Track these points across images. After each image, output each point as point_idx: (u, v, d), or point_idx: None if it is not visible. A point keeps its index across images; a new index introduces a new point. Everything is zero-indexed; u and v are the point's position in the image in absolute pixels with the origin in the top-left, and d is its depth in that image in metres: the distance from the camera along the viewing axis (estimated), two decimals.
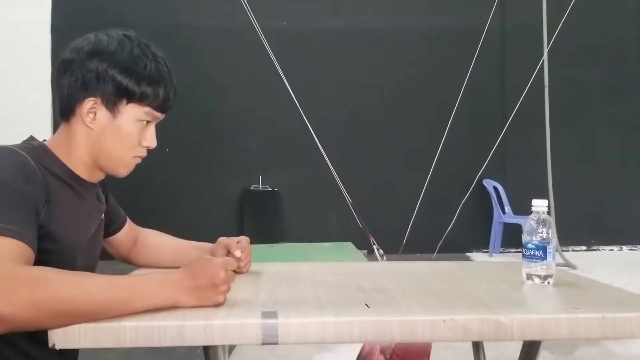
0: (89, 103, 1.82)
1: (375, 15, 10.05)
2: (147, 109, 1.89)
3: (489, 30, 9.68)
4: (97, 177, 1.97)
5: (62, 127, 1.90)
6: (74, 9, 9.62)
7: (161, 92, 1.89)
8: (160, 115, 1.94)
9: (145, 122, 1.91)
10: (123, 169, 1.96)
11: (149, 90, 1.86)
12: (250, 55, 9.35)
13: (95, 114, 1.84)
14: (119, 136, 1.87)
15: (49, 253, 1.65)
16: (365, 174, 9.89)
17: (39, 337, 1.61)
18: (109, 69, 1.81)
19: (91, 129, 1.85)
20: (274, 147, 9.94)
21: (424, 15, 10.12)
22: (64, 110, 1.87)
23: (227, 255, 2.13)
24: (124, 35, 1.89)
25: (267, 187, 9.90)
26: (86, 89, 1.82)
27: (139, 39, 1.90)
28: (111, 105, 1.84)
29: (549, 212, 2.00)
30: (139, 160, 1.97)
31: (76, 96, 1.83)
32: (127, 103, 1.85)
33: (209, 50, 9.81)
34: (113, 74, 1.81)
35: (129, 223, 2.32)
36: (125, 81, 1.82)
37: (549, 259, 1.95)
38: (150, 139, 1.94)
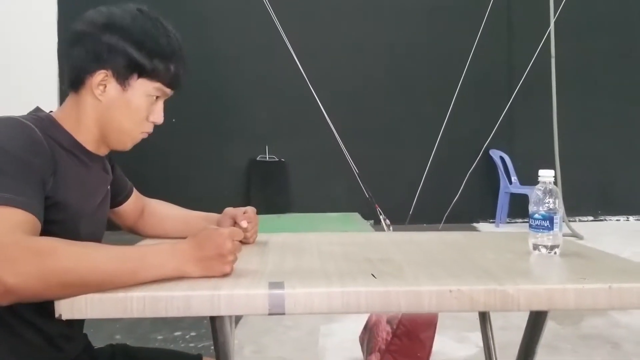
0: (99, 75, 1.81)
1: None
2: (158, 85, 1.88)
3: (496, 0, 9.63)
4: (103, 150, 1.97)
5: (70, 98, 1.90)
6: None
7: (172, 68, 1.89)
8: (169, 92, 1.94)
9: (154, 98, 1.91)
10: (130, 143, 1.96)
11: (160, 65, 1.85)
12: (257, 24, 9.34)
13: (106, 87, 1.83)
14: (127, 110, 1.87)
15: (54, 223, 1.65)
16: (372, 144, 9.89)
17: (45, 308, 1.62)
18: (122, 42, 1.81)
19: (100, 101, 1.84)
20: (280, 117, 9.94)
21: None
22: (73, 81, 1.86)
23: (234, 226, 2.13)
24: (138, 9, 1.88)
25: (273, 158, 9.91)
26: (97, 61, 1.81)
27: (152, 14, 1.89)
28: (122, 78, 1.83)
29: (555, 183, 2.00)
30: (145, 135, 1.97)
31: (87, 68, 1.82)
32: (138, 77, 1.85)
33: (215, 20, 9.79)
34: (125, 47, 1.81)
35: (135, 193, 2.32)
36: (137, 55, 1.82)
37: (556, 229, 1.95)
38: (158, 115, 1.95)
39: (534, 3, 9.67)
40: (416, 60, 10.05)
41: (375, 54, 9.99)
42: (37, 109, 1.90)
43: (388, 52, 10.01)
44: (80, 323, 1.98)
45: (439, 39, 10.05)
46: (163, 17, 1.92)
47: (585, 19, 10.03)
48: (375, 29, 9.99)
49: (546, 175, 1.97)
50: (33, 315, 1.75)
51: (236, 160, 9.91)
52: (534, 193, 1.97)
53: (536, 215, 1.95)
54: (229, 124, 9.83)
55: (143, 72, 1.84)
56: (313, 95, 8.73)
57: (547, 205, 1.94)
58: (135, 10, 1.87)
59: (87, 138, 1.89)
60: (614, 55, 10.22)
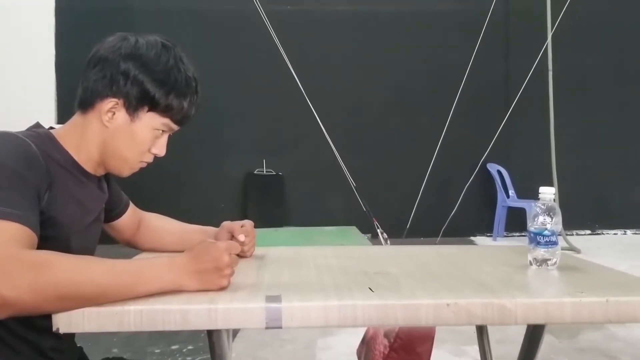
0: (110, 102, 1.83)
1: None
2: (166, 121, 1.90)
3: (493, 13, 9.66)
4: (100, 171, 1.98)
5: (76, 118, 1.91)
6: None
7: (185, 107, 1.91)
8: (176, 128, 1.96)
9: (160, 132, 1.93)
10: (127, 171, 1.98)
11: (174, 103, 1.87)
12: (254, 38, 9.34)
13: (114, 114, 1.85)
14: (132, 140, 1.88)
15: (46, 239, 1.64)
16: (369, 158, 9.89)
17: (35, 322, 1.62)
18: (142, 75, 1.82)
19: (106, 127, 1.86)
20: (277, 131, 9.95)
21: None
22: (83, 102, 1.87)
23: (231, 239, 2.13)
24: (163, 44, 1.89)
25: (270, 171, 9.91)
26: (111, 88, 1.82)
27: (175, 50, 1.91)
28: (132, 109, 1.85)
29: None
30: (144, 165, 1.98)
31: (100, 92, 1.83)
32: (148, 111, 1.86)
33: (213, 33, 9.79)
34: (144, 80, 1.82)
35: (132, 207, 2.32)
36: (154, 91, 1.83)
37: (554, 245, 1.95)
38: (161, 148, 1.96)
39: (532, 17, 9.69)
40: (413, 73, 10.06)
41: (373, 68, 10.00)
42: (37, 125, 1.90)
43: (385, 65, 10.01)
44: (71, 336, 1.98)
45: (436, 52, 10.06)
46: (185, 54, 1.94)
47: (583, 33, 10.05)
48: (372, 42, 10.01)
49: (547, 192, 1.98)
50: (24, 329, 1.75)
51: (233, 174, 9.91)
52: (533, 209, 1.97)
53: (535, 230, 1.95)
54: (227, 137, 9.83)
55: (155, 107, 1.86)
56: (310, 109, 8.74)
57: (546, 223, 1.94)
58: (160, 44, 1.89)
59: (86, 159, 1.90)
60: (611, 69, 10.25)
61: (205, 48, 9.43)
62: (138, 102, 1.84)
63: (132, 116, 1.85)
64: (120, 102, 1.83)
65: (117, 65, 1.81)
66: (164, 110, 1.87)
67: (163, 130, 1.93)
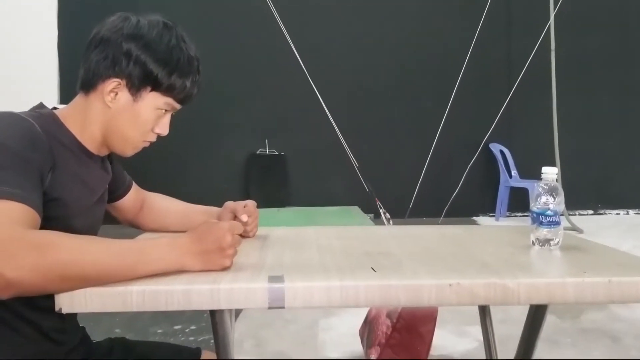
0: (113, 83, 1.83)
1: None
2: (169, 100, 1.90)
3: None
4: (104, 151, 1.98)
5: (79, 99, 1.90)
6: None
7: (188, 86, 1.91)
8: (179, 107, 1.96)
9: (163, 111, 1.93)
10: (130, 151, 1.98)
11: (177, 83, 1.87)
12: (257, 19, 9.31)
13: (117, 94, 1.84)
14: (135, 120, 1.88)
15: (49, 219, 1.64)
16: (372, 137, 9.88)
17: (37, 302, 1.62)
18: (144, 55, 1.82)
19: (109, 107, 1.86)
20: (280, 111, 9.93)
21: None
22: (85, 83, 1.87)
23: (234, 220, 2.13)
24: (164, 24, 1.89)
25: (273, 151, 9.91)
26: (114, 69, 1.82)
27: (177, 30, 1.91)
28: (134, 89, 1.84)
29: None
30: (147, 145, 1.98)
31: (102, 73, 1.83)
32: (151, 90, 1.86)
33: (215, 14, 9.76)
34: (146, 60, 1.82)
35: (134, 187, 2.32)
36: (156, 70, 1.83)
37: (557, 225, 1.95)
38: (164, 127, 1.96)
39: None
40: (416, 54, 10.03)
41: (375, 49, 9.97)
42: (41, 105, 1.90)
43: (388, 47, 9.99)
44: (73, 316, 1.98)
45: (438, 33, 10.03)
46: (187, 34, 1.93)
47: (586, 14, 10.01)
48: (374, 24, 9.97)
49: (549, 172, 1.98)
50: (26, 310, 1.75)
51: (236, 154, 9.91)
52: (536, 189, 1.97)
53: (537, 210, 1.95)
54: (229, 117, 9.82)
55: (157, 86, 1.86)
56: (313, 89, 8.72)
57: (549, 202, 1.94)
58: (161, 24, 1.88)
59: (89, 140, 1.90)
60: (614, 50, 10.21)
61: (207, 29, 9.40)
62: (140, 82, 1.83)
63: (135, 96, 1.85)
64: (123, 82, 1.83)
65: (119, 45, 1.81)
66: (166, 89, 1.87)
67: (166, 110, 1.93)
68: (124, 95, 1.84)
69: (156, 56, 1.82)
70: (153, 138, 1.97)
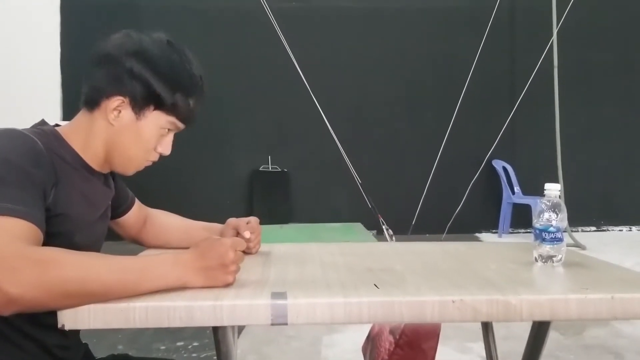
0: (116, 101, 1.83)
1: None
2: (172, 119, 1.90)
3: (499, 9, 9.65)
4: (106, 169, 1.98)
5: (82, 116, 1.90)
6: None
7: (191, 104, 1.91)
8: (182, 127, 1.96)
9: (166, 130, 1.93)
10: (133, 170, 1.98)
11: (180, 102, 1.87)
12: (260, 35, 9.35)
13: (120, 112, 1.84)
14: (137, 138, 1.88)
15: (51, 235, 1.64)
16: (375, 154, 9.90)
17: (39, 319, 1.62)
18: (147, 73, 1.81)
19: (112, 125, 1.85)
20: (283, 128, 9.95)
21: None
22: (89, 100, 1.87)
23: (236, 236, 2.13)
24: (168, 41, 1.89)
25: (276, 168, 9.92)
26: (117, 87, 1.82)
27: (180, 47, 1.91)
28: (138, 107, 1.84)
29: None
30: (149, 164, 1.98)
31: (105, 91, 1.83)
32: (154, 109, 1.86)
33: (218, 29, 9.80)
34: (149, 78, 1.82)
35: (137, 204, 2.32)
36: (160, 89, 1.83)
37: (560, 241, 1.95)
38: (166, 147, 1.97)
39: (537, 13, 9.69)
40: (419, 70, 10.06)
41: (378, 64, 9.99)
42: (43, 122, 1.90)
43: (391, 61, 10.01)
44: (76, 332, 1.98)
45: (441, 48, 10.06)
46: (190, 52, 1.93)
47: (588, 29, 10.05)
48: (377, 39, 10.00)
49: (552, 189, 1.98)
50: (28, 327, 1.75)
51: (239, 170, 9.92)
52: (538, 206, 1.97)
53: (540, 227, 1.95)
54: (232, 133, 9.83)
55: (161, 105, 1.86)
56: (316, 105, 8.74)
57: (552, 219, 1.94)
58: (164, 42, 1.88)
59: (92, 157, 1.90)
60: (616, 66, 10.23)
61: (210, 44, 9.43)
62: (144, 100, 1.83)
63: (138, 115, 1.85)
64: (126, 100, 1.82)
65: (123, 63, 1.81)
66: (169, 108, 1.87)
67: (169, 129, 1.93)
68: (128, 113, 1.84)
69: (160, 75, 1.82)
70: (155, 157, 1.97)
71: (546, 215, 1.95)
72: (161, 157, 1.99)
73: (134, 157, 1.92)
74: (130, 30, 1.89)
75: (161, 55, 1.84)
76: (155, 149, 1.94)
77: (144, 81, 1.81)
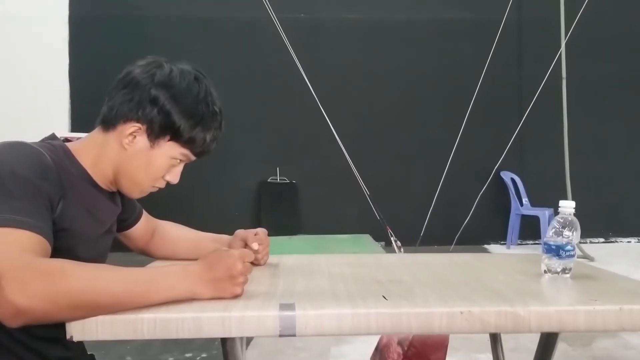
0: (133, 127, 1.84)
1: (392, 8, 10.04)
2: (186, 152, 1.92)
3: (507, 22, 9.65)
4: (112, 188, 1.99)
5: (96, 134, 1.92)
6: (92, 1, 9.66)
7: (207, 141, 1.93)
8: (194, 159, 1.98)
9: (178, 160, 1.94)
10: (137, 194, 2.00)
11: (198, 136, 1.89)
12: (268, 47, 9.36)
13: (135, 138, 1.86)
14: (148, 166, 1.90)
15: (56, 249, 1.64)
16: (383, 165, 9.89)
17: (42, 332, 1.63)
18: (170, 105, 1.83)
19: (125, 149, 1.87)
20: (291, 139, 9.95)
21: (441, 7, 10.11)
22: (106, 120, 1.88)
23: (245, 248, 2.13)
24: (195, 76, 1.91)
25: (284, 179, 9.92)
26: (137, 113, 1.83)
27: (206, 83, 1.93)
28: (153, 136, 1.86)
29: None
30: (155, 190, 1.99)
31: (124, 115, 1.84)
32: (169, 140, 1.87)
33: (226, 41, 9.81)
34: (171, 110, 1.83)
35: (145, 216, 2.33)
36: (180, 122, 1.85)
37: (571, 257, 1.95)
38: (175, 176, 1.98)
39: (545, 25, 9.70)
40: (427, 81, 10.06)
41: (387, 76, 10.00)
42: (53, 136, 1.91)
43: (398, 73, 10.01)
44: (79, 345, 1.98)
45: (449, 61, 10.06)
46: (214, 87, 1.95)
47: (596, 41, 10.04)
48: (386, 51, 10.01)
49: (567, 206, 1.98)
50: (31, 340, 1.76)
51: (247, 182, 9.92)
52: (552, 223, 1.97)
53: (553, 243, 1.95)
54: (240, 145, 9.83)
55: (177, 137, 1.87)
56: (324, 116, 8.73)
57: (565, 237, 1.94)
58: (192, 76, 1.90)
59: (99, 175, 1.91)
60: (624, 77, 10.21)
61: (218, 56, 9.45)
62: (161, 130, 1.85)
63: (153, 143, 1.86)
64: (143, 127, 1.84)
65: (148, 91, 1.83)
66: (185, 141, 1.88)
67: (180, 160, 1.94)
68: (142, 140, 1.86)
69: (182, 108, 1.84)
70: (162, 185, 1.99)
71: (562, 232, 1.94)
72: (168, 184, 1.99)
73: (141, 183, 1.94)
74: (160, 58, 1.91)
75: (187, 88, 1.86)
76: (163, 177, 1.95)
77: (166, 112, 1.83)
